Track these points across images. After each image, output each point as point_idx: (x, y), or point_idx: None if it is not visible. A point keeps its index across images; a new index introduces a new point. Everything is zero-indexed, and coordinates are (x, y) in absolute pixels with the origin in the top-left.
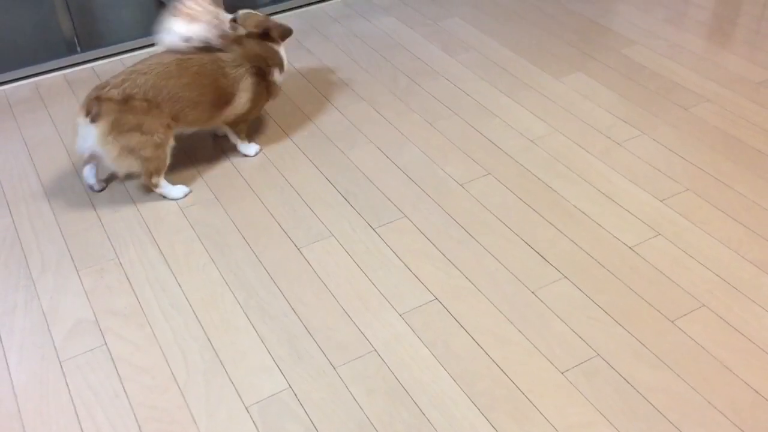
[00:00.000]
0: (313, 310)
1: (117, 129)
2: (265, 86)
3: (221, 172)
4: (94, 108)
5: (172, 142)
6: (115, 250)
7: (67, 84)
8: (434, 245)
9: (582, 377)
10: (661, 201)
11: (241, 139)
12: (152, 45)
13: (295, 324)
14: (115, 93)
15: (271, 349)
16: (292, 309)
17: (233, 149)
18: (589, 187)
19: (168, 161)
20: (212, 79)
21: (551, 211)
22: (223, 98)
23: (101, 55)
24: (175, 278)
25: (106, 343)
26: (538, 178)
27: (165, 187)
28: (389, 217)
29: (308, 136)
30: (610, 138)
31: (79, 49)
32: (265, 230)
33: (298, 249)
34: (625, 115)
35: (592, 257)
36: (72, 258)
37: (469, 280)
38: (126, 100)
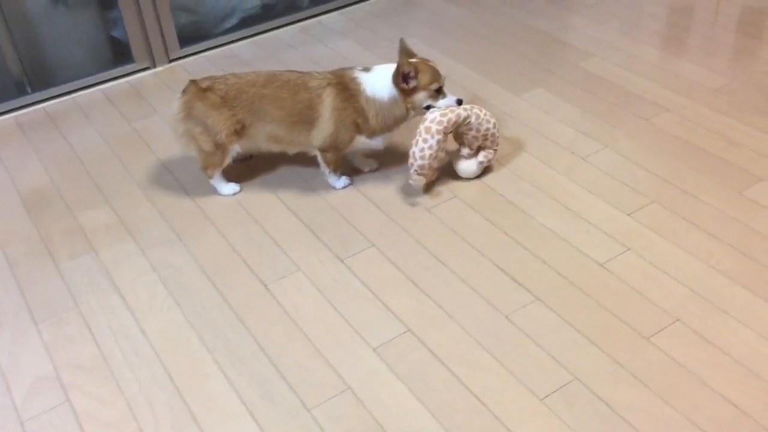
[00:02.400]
0: (284, 350)
1: (187, 111)
2: (353, 112)
3: (182, 209)
4: (187, 86)
5: (237, 148)
6: (74, 299)
7: (18, 126)
8: (404, 273)
9: (561, 402)
10: (628, 215)
11: (330, 169)
12: (107, 81)
13: (265, 365)
14: (205, 81)
15: (242, 394)
16: (262, 350)
17: (194, 186)
18: (556, 204)
19: (226, 163)
20: (293, 92)
21: (520, 231)
22: (302, 116)
23: (53, 95)
24: (139, 325)
25: (69, 400)
26: (505, 198)
27: (217, 182)
28: (357, 247)
29: (268, 165)
30: (573, 153)
31: (29, 89)
32: (230, 268)
33: (266, 286)
34: (587, 128)
35: (564, 277)
36: (29, 310)
37: (441, 308)
38: (206, 90)
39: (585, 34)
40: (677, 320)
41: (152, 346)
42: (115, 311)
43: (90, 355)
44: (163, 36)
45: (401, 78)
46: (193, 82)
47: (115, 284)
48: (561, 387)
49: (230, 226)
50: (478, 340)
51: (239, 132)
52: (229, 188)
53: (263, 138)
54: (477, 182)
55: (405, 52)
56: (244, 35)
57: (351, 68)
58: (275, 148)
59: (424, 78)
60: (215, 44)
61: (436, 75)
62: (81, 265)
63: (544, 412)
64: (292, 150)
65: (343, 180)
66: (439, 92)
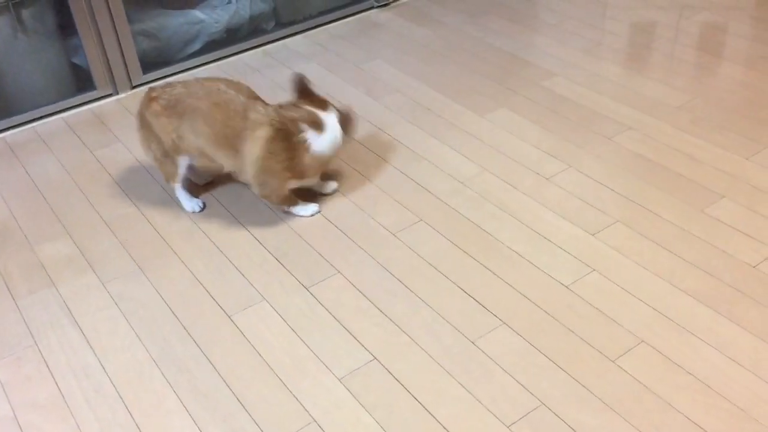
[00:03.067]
0: (248, 383)
1: (140, 119)
2: (286, 161)
3: (145, 240)
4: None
5: (185, 159)
6: (32, 335)
7: None
8: (369, 300)
9: (528, 429)
10: (592, 235)
11: (275, 205)
12: (68, 110)
13: (229, 400)
14: (156, 90)
15: (205, 430)
16: (226, 384)
17: (157, 216)
18: (521, 226)
19: (179, 173)
20: (226, 115)
21: (485, 254)
22: (228, 141)
23: (13, 125)
24: (99, 362)
25: None
26: (470, 221)
27: (180, 195)
28: (322, 274)
29: (233, 193)
30: (538, 173)
31: None
32: (193, 300)
33: (230, 317)
34: (551, 148)
35: (530, 300)
36: None
37: (407, 335)
38: (152, 99)
39: (548, 54)
40: (642, 341)
41: (113, 383)
42: (74, 348)
43: (48, 393)
44: (125, 62)
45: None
46: (150, 89)
47: (75, 320)
48: (528, 413)
49: (194, 256)
50: (444, 368)
51: (176, 142)
52: (191, 204)
53: (195, 152)
54: (443, 205)
55: (301, 91)
56: (208, 60)
57: (299, 120)
58: (210, 165)
59: None
60: (179, 69)
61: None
62: (40, 300)
63: None
64: (227, 170)
65: (310, 207)
66: None
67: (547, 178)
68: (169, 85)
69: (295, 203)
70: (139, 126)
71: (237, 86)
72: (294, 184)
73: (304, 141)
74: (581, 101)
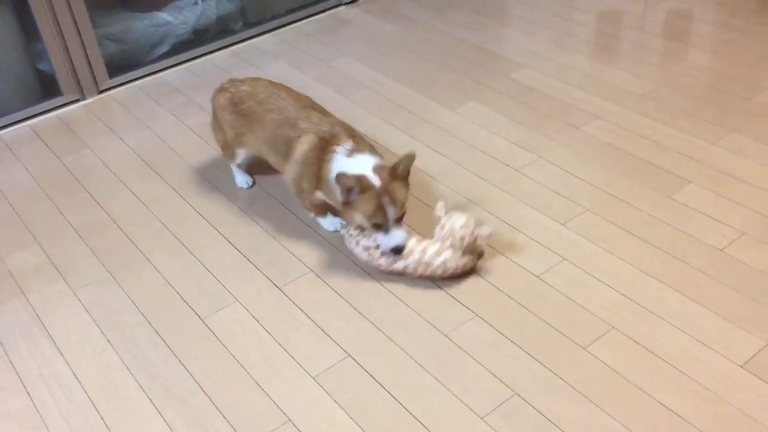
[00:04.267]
0: (223, 386)
1: (212, 105)
2: (319, 163)
3: (116, 246)
4: None
5: (243, 152)
6: (3, 346)
7: None
8: (342, 298)
9: (502, 420)
10: (562, 224)
11: (306, 209)
12: (35, 116)
13: (204, 403)
14: (226, 83)
15: None
16: (200, 387)
17: (127, 221)
18: (493, 218)
19: (237, 161)
20: (276, 123)
21: None
22: (279, 147)
23: None
24: (71, 370)
25: None
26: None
27: (234, 170)
28: (295, 273)
29: (204, 196)
30: (508, 165)
31: None
32: (165, 304)
33: (202, 320)
34: (521, 140)
35: (501, 291)
36: None
37: (381, 331)
38: (220, 91)
39: (516, 46)
40: (613, 328)
41: (86, 392)
42: (46, 357)
43: (20, 404)
44: (90, 66)
45: (342, 187)
46: (228, 80)
47: (45, 328)
48: (501, 404)
49: (165, 260)
50: (418, 362)
51: (237, 137)
52: (242, 179)
53: (251, 149)
54: (413, 200)
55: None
56: (176, 62)
57: (343, 137)
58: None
59: (363, 205)
60: (146, 72)
61: (377, 211)
62: (10, 309)
63: (485, 430)
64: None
65: (331, 222)
66: (379, 227)
67: (516, 170)
68: (241, 81)
69: (322, 214)
70: (212, 111)
71: (296, 96)
72: (321, 195)
73: (332, 155)
74: (550, 92)
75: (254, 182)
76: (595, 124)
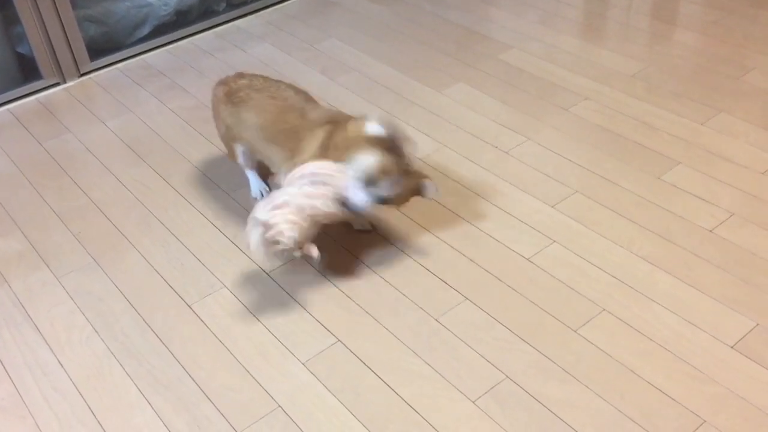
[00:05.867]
0: (211, 372)
1: (212, 99)
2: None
3: (100, 232)
4: None
5: (239, 148)
6: None
7: None
8: (331, 282)
9: (493, 403)
10: (552, 207)
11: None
12: (14, 101)
13: (192, 390)
14: (227, 77)
15: (168, 422)
16: (188, 374)
17: (110, 206)
18: (481, 200)
19: (237, 158)
20: (283, 110)
21: (446, 230)
22: (284, 136)
23: None
24: (56, 358)
25: None
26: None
27: (248, 174)
28: (283, 258)
29: (189, 180)
30: (497, 147)
31: None
32: (151, 291)
33: (189, 306)
34: (509, 122)
35: (492, 274)
36: None
37: (371, 315)
38: (219, 84)
39: (504, 27)
40: (603, 310)
41: (71, 380)
42: (30, 345)
43: (5, 393)
44: (71, 49)
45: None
46: (232, 75)
47: (29, 316)
48: (493, 387)
49: (150, 246)
50: (409, 346)
51: (234, 134)
52: (255, 188)
53: (246, 142)
54: None
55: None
56: (158, 44)
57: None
58: (260, 158)
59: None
60: (128, 55)
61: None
62: None
63: (476, 414)
64: (273, 169)
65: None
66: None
67: (505, 152)
68: (241, 75)
69: None
70: (212, 108)
71: (296, 89)
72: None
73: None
74: (538, 73)
75: (270, 190)
76: (583, 105)
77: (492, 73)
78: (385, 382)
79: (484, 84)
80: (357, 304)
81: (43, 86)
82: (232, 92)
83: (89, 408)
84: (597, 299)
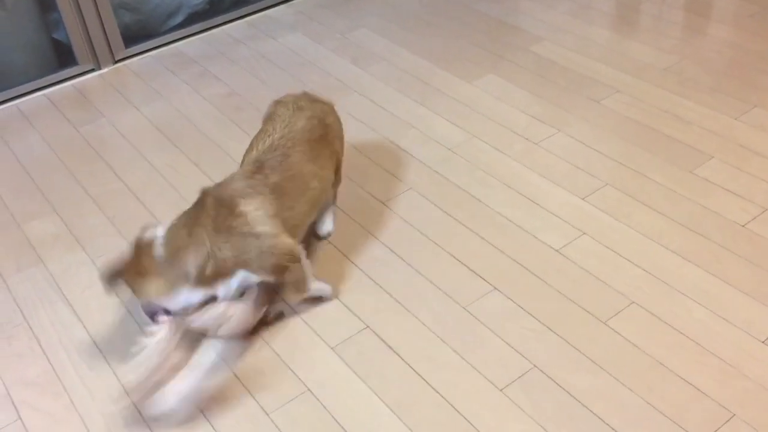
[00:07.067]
0: (241, 354)
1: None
2: None
3: (133, 215)
4: None
5: None
6: (23, 313)
7: None
8: (360, 269)
9: (520, 392)
10: (582, 199)
11: None
12: (50, 86)
13: (222, 371)
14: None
15: (198, 402)
16: (219, 356)
17: (143, 190)
18: (511, 191)
19: None
20: None
21: (475, 220)
22: None
23: None
24: (91, 337)
25: (20, 418)
26: (460, 188)
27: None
28: (313, 245)
29: (219, 165)
30: (527, 139)
31: None
32: None
33: None
34: (540, 113)
35: (520, 264)
36: None
37: (399, 303)
38: None
39: (535, 18)
40: (633, 302)
41: (106, 360)
42: (65, 324)
43: (41, 370)
44: (106, 36)
45: None
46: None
47: (65, 296)
48: (520, 376)
49: None
50: (437, 334)
51: None
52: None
53: None
54: (431, 172)
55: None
56: (191, 32)
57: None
58: None
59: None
60: (161, 42)
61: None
62: (29, 278)
63: (504, 403)
64: None
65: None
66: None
67: (536, 143)
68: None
69: None
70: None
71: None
72: None
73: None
74: (569, 65)
75: None
76: (615, 98)
77: (522, 64)
78: (413, 369)
79: (515, 75)
80: (386, 292)
81: (79, 72)
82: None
83: (123, 388)
84: (626, 291)
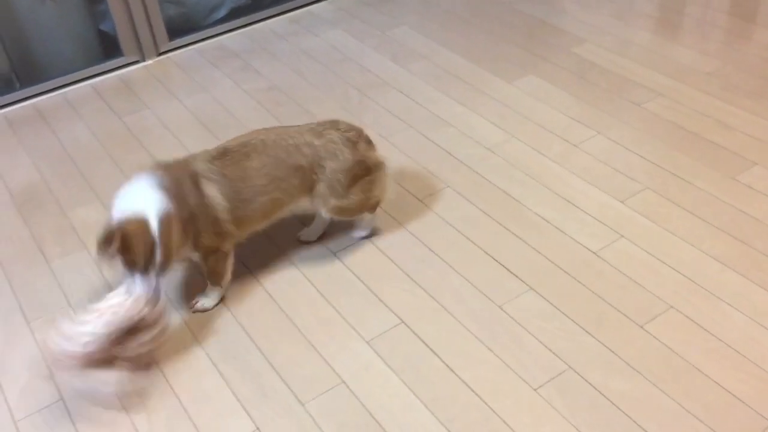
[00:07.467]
0: (277, 345)
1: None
2: None
3: None
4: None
5: None
6: (66, 297)
7: (7, 123)
8: (397, 265)
9: (555, 392)
10: (621, 202)
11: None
12: (96, 76)
13: (258, 361)
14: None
15: (235, 390)
16: (255, 345)
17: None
18: (549, 192)
19: None
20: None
21: (513, 220)
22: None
23: (42, 91)
24: None
25: (62, 398)
26: (498, 187)
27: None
28: (349, 240)
29: None
30: (566, 140)
31: (17, 85)
32: None
33: (259, 281)
34: (580, 115)
35: (557, 265)
36: (21, 310)
37: (435, 300)
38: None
39: (577, 19)
40: (671, 307)
41: None
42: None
43: None
44: (151, 28)
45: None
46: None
47: (107, 281)
48: (555, 377)
49: None
50: (472, 332)
51: None
52: None
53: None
54: (470, 172)
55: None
56: (234, 26)
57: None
58: None
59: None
60: (204, 36)
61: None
62: (72, 262)
63: (538, 402)
64: None
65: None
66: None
67: (575, 145)
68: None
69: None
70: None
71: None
72: None
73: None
74: (611, 67)
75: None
76: (657, 102)
77: (564, 65)
78: (447, 365)
79: (556, 77)
80: (422, 288)
81: (124, 63)
82: None
83: (162, 371)
84: (665, 296)
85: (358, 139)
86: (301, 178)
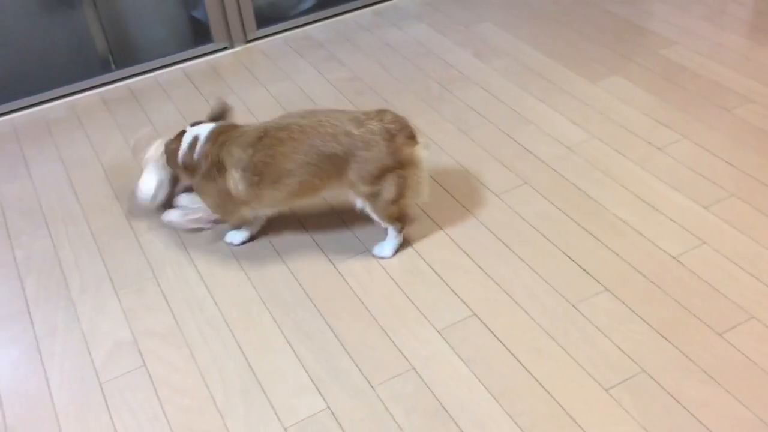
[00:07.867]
0: (350, 328)
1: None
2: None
3: None
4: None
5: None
6: (152, 269)
7: (103, 103)
8: (471, 259)
9: (627, 394)
10: (704, 208)
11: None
12: (186, 60)
13: (332, 342)
14: None
15: (308, 369)
16: (329, 327)
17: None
18: (629, 194)
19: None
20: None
21: (590, 220)
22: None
23: (136, 72)
24: (212, 297)
25: (145, 365)
26: (576, 187)
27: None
28: (425, 231)
29: None
30: (649, 143)
31: (113, 66)
32: (300, 248)
33: (334, 265)
34: (665, 118)
35: (635, 268)
36: (111, 279)
37: (508, 294)
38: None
39: (667, 21)
40: (752, 317)
41: (224, 318)
42: (190, 283)
43: (166, 323)
44: (241, 17)
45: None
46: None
47: (191, 258)
48: (627, 379)
49: (304, 206)
50: (544, 328)
51: None
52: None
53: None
54: (548, 170)
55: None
56: (319, 17)
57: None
58: None
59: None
60: (291, 26)
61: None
62: (159, 237)
63: (609, 403)
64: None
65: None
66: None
67: (659, 148)
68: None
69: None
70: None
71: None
72: None
73: None
74: (700, 71)
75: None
76: (747, 108)
77: (651, 67)
78: (517, 359)
79: (642, 78)
80: (495, 282)
81: (213, 49)
82: None
83: (239, 346)
84: (746, 305)
85: (398, 132)
86: (334, 165)
